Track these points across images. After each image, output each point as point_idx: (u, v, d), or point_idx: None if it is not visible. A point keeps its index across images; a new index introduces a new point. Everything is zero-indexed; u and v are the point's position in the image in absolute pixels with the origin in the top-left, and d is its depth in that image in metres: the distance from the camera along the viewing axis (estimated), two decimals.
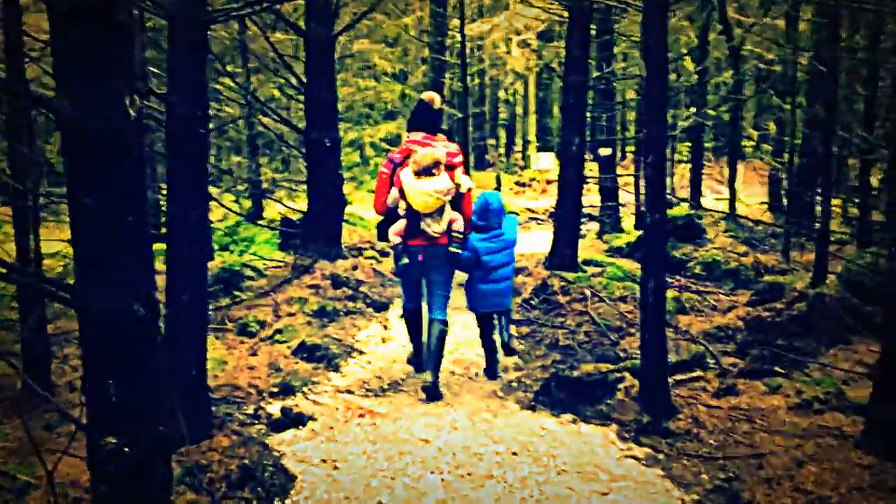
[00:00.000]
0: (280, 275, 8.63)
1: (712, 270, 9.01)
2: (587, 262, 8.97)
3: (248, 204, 13.67)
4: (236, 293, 8.43)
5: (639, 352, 7.08)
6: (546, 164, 20.42)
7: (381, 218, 5.94)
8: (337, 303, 7.99)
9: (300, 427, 5.22)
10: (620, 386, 5.09)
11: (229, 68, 12.11)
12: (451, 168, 5.55)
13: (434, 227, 5.52)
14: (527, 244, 12.34)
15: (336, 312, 7.82)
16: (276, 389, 6.09)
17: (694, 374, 5.79)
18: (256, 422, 5.50)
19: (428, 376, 5.66)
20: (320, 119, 8.33)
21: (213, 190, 12.63)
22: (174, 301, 4.43)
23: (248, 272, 9.27)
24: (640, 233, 9.72)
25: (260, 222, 12.13)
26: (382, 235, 5.97)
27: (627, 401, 4.97)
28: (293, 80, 8.53)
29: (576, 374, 5.24)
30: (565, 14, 8.55)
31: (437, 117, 5.81)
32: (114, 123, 2.23)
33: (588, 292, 7.90)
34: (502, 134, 19.11)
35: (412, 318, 6.21)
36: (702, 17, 11.79)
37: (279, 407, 5.52)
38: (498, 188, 18.56)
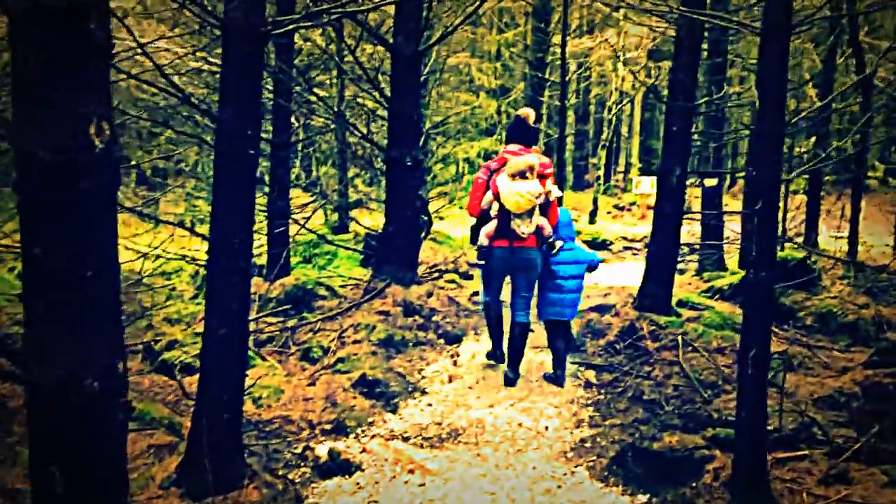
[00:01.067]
0: (354, 297, 8.26)
1: (827, 322, 8.03)
2: (682, 304, 8.17)
3: (334, 217, 13.47)
4: (305, 315, 8.11)
5: (734, 414, 6.33)
6: (647, 188, 19.45)
7: (474, 222, 6.48)
8: (406, 332, 7.52)
9: (346, 476, 4.77)
10: (709, 467, 4.37)
11: (323, 78, 11.94)
12: (542, 177, 6.07)
13: (523, 228, 6.02)
14: (617, 276, 11.58)
15: (404, 342, 7.36)
16: (328, 427, 5.69)
17: (799, 453, 4.97)
18: (302, 464, 5.10)
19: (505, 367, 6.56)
20: (403, 137, 7.92)
21: (299, 199, 12.51)
22: (211, 336, 4.05)
23: (322, 291, 8.96)
24: (743, 273, 8.82)
25: (341, 238, 11.87)
26: (475, 237, 6.45)
27: (716, 486, 4.24)
28: (378, 96, 8.15)
29: (656, 446, 4.56)
30: (671, 32, 7.84)
31: (532, 132, 6.42)
32: (72, 155, 1.81)
33: (681, 339, 7.13)
34: (603, 154, 18.33)
35: (492, 314, 6.71)
36: (828, 40, 10.75)
37: (328, 449, 5.10)
38: (595, 210, 17.77)
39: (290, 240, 9.53)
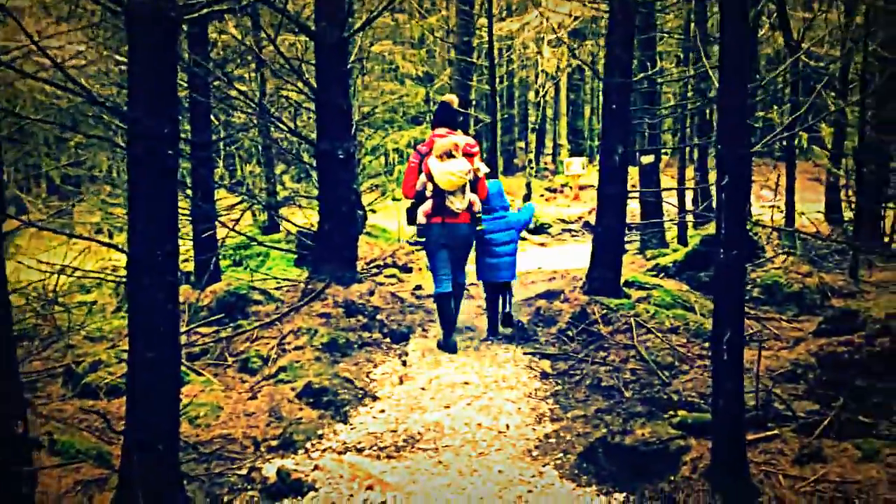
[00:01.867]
0: (291, 300, 7.81)
1: (773, 294, 8.01)
2: (629, 284, 8.02)
3: (263, 217, 12.92)
4: (241, 323, 7.64)
5: (694, 394, 6.19)
6: (578, 168, 19.45)
7: (410, 203, 6.85)
8: (350, 334, 7.15)
9: (298, 498, 4.40)
10: (686, 458, 4.16)
11: (242, 72, 11.37)
12: (469, 156, 6.62)
13: (457, 204, 6.56)
14: (560, 259, 11.42)
15: (349, 345, 6.98)
16: (275, 443, 5.29)
17: (769, 433, 4.83)
18: (249, 486, 4.70)
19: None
20: (333, 128, 7.50)
21: (226, 200, 11.91)
22: (137, 360, 3.61)
23: (257, 295, 8.47)
24: (687, 249, 8.75)
25: (273, 238, 11.36)
26: (412, 218, 6.84)
27: (695, 478, 4.03)
28: (303, 86, 7.70)
29: (628, 440, 4.32)
30: (603, 7, 7.65)
31: (456, 115, 6.98)
32: None
33: (633, 322, 6.96)
34: (533, 138, 18.23)
35: (445, 303, 6.83)
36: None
37: (276, 468, 4.71)
38: (529, 194, 17.66)
39: (219, 244, 9.00)
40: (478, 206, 6.74)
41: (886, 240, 9.25)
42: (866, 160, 8.95)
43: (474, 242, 6.99)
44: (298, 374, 6.31)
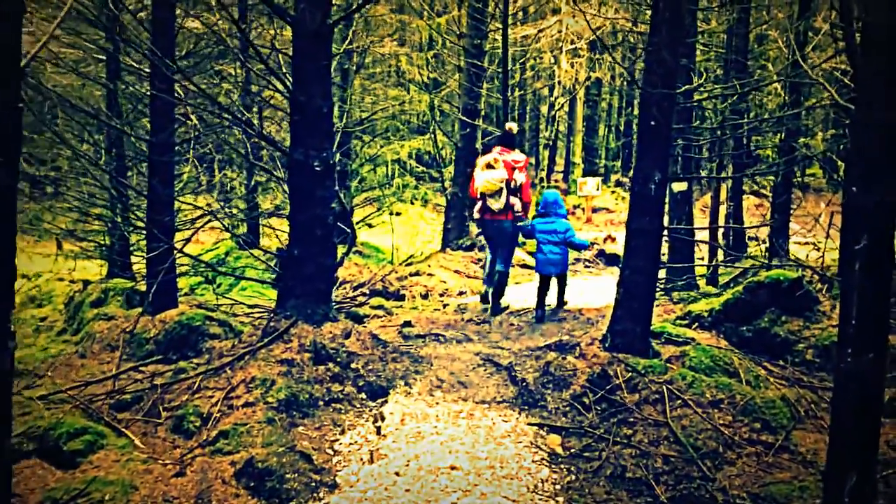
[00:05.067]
0: (249, 339, 6.48)
1: (830, 357, 6.65)
2: (656, 335, 6.68)
3: (242, 228, 11.59)
4: (183, 366, 6.31)
5: (744, 494, 4.85)
6: (592, 189, 18.11)
7: (474, 202, 8.49)
8: (316, 387, 5.81)
9: None
10: None
11: (223, 67, 10.09)
12: (514, 169, 8.17)
13: (495, 205, 8.16)
14: (573, 294, 10.05)
15: (313, 402, 5.65)
16: None
17: None
18: None
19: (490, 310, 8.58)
20: (309, 134, 6.19)
21: (203, 205, 10.59)
22: None
23: (214, 328, 7.19)
24: (726, 297, 7.41)
25: (256, 254, 10.03)
26: (471, 213, 8.92)
27: None
28: (276, 82, 6.40)
29: None
30: (648, 14, 6.34)
31: (513, 138, 8.66)
32: None
33: (666, 391, 5.61)
34: (546, 154, 16.87)
35: (490, 267, 8.71)
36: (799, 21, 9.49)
37: None
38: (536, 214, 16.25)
39: (176, 262, 7.68)
40: (518, 207, 8.22)
41: None
42: None
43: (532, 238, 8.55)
44: (242, 442, 4.98)
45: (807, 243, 10.69)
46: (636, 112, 29.94)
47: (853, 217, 2.35)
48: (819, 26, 12.06)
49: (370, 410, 5.77)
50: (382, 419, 5.51)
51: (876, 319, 2.33)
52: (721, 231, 10.89)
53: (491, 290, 8.60)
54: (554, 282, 8.58)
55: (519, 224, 8.34)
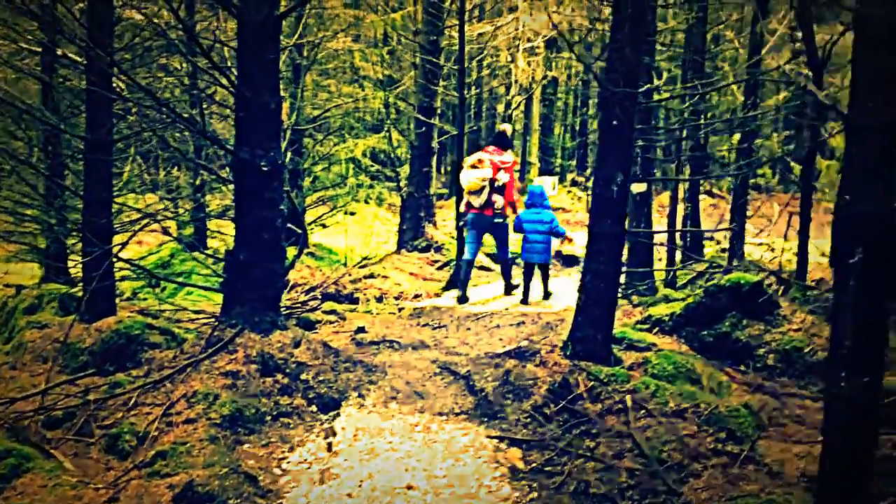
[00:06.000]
0: (191, 350, 6.10)
1: (793, 363, 6.56)
2: (617, 341, 6.50)
3: (188, 230, 11.13)
4: (128, 374, 5.93)
5: None
6: (549, 188, 17.96)
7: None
8: (263, 400, 5.48)
9: None
10: None
11: (175, 62, 9.63)
12: (501, 169, 8.74)
13: (475, 202, 8.75)
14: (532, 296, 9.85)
15: (260, 417, 5.32)
16: None
17: None
18: None
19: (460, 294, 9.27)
20: (255, 132, 5.84)
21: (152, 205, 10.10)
22: None
23: (155, 336, 6.78)
24: (688, 300, 7.26)
25: (201, 257, 9.61)
26: (459, 206, 9.38)
27: None
28: (219, 76, 6.03)
29: None
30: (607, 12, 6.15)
31: (506, 138, 9.19)
32: None
33: (629, 401, 5.42)
34: None
35: (465, 268, 9.23)
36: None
37: None
38: None
39: (115, 266, 7.25)
40: (499, 204, 8.81)
41: None
42: None
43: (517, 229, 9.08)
44: (182, 463, 4.64)
45: (760, 244, 10.67)
46: (591, 112, 30.00)
47: (845, 228, 2.16)
48: (774, 27, 12.09)
49: (321, 425, 5.46)
50: (334, 434, 5.22)
51: (871, 340, 2.13)
52: (678, 233, 10.82)
53: (460, 279, 9.35)
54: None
55: (496, 221, 8.93)
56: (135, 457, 4.85)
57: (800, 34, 9.47)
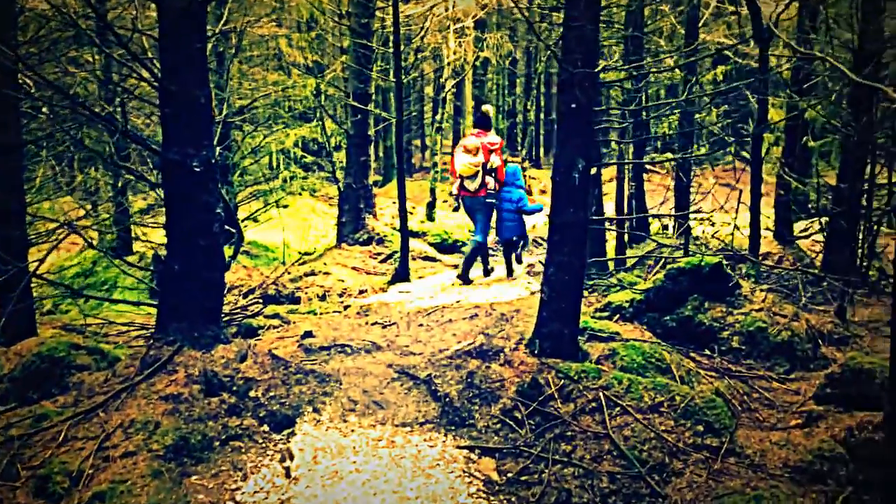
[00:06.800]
0: (125, 371, 5.55)
1: (757, 343, 6.42)
2: (580, 331, 6.23)
3: (112, 236, 10.39)
4: (55, 401, 5.35)
5: None
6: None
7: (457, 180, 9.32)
8: (210, 424, 5.00)
9: None
10: None
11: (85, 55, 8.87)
12: (490, 152, 9.04)
13: (470, 185, 9.07)
14: (482, 288, 9.55)
15: (207, 444, 4.85)
16: None
17: None
18: None
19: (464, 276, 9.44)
20: (184, 129, 5.31)
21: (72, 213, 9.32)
22: None
23: (82, 357, 6.18)
24: (647, 285, 7.07)
25: (124, 260, 8.94)
26: (452, 191, 9.49)
27: None
28: (141, 69, 5.46)
29: None
30: None
31: (490, 120, 9.53)
32: None
33: (603, 398, 5.16)
34: (439, 138, 16.28)
35: (474, 252, 9.42)
36: None
37: None
38: (433, 202, 15.75)
39: (30, 282, 6.60)
40: (491, 186, 9.09)
41: (873, 273, 7.88)
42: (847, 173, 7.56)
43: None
44: (124, 503, 4.14)
45: (702, 219, 10.61)
46: (520, 91, 29.87)
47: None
48: (708, 1, 12.02)
49: (275, 446, 5.02)
50: (291, 457, 4.79)
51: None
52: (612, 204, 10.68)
53: (464, 261, 9.52)
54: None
55: (488, 200, 9.25)
56: (69, 500, 4.32)
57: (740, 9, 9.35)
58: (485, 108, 9.73)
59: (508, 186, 9.29)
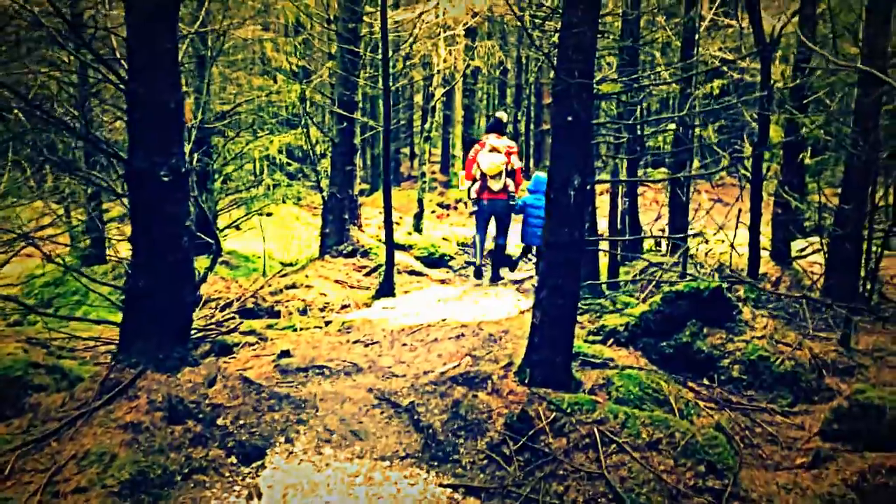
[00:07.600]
0: (83, 395, 5.14)
1: (759, 373, 6.09)
2: (572, 356, 5.87)
3: (85, 242, 9.96)
4: (9, 424, 4.94)
5: None
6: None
7: (469, 183, 9.88)
8: (172, 456, 4.60)
9: None
10: None
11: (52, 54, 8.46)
12: (509, 154, 9.59)
13: (494, 186, 9.54)
14: (468, 304, 9.19)
15: (168, 479, 4.45)
16: None
17: None
18: None
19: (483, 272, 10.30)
20: (152, 136, 4.93)
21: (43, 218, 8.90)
22: None
23: (40, 377, 5.77)
24: (643, 308, 6.72)
25: (93, 271, 8.52)
26: (470, 193, 9.90)
27: None
28: (106, 71, 5.08)
29: None
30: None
31: (504, 125, 10.01)
32: None
33: (598, 434, 4.80)
34: (427, 147, 15.95)
35: (478, 244, 10.05)
36: None
37: None
38: (421, 213, 15.40)
39: None
40: (511, 188, 9.54)
41: (875, 298, 7.57)
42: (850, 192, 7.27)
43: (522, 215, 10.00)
44: None
45: (694, 236, 10.29)
46: (510, 101, 29.58)
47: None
48: (704, 14, 11.74)
49: (243, 480, 4.63)
50: (259, 496, 4.40)
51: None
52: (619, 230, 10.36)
53: (489, 262, 10.14)
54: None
55: (510, 202, 9.64)
56: None
57: (737, 23, 9.09)
58: (499, 113, 10.18)
59: (538, 194, 9.47)
